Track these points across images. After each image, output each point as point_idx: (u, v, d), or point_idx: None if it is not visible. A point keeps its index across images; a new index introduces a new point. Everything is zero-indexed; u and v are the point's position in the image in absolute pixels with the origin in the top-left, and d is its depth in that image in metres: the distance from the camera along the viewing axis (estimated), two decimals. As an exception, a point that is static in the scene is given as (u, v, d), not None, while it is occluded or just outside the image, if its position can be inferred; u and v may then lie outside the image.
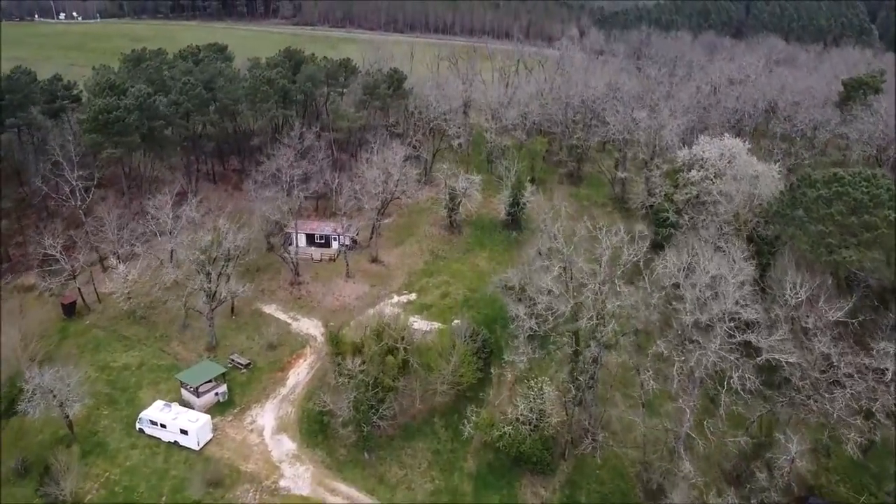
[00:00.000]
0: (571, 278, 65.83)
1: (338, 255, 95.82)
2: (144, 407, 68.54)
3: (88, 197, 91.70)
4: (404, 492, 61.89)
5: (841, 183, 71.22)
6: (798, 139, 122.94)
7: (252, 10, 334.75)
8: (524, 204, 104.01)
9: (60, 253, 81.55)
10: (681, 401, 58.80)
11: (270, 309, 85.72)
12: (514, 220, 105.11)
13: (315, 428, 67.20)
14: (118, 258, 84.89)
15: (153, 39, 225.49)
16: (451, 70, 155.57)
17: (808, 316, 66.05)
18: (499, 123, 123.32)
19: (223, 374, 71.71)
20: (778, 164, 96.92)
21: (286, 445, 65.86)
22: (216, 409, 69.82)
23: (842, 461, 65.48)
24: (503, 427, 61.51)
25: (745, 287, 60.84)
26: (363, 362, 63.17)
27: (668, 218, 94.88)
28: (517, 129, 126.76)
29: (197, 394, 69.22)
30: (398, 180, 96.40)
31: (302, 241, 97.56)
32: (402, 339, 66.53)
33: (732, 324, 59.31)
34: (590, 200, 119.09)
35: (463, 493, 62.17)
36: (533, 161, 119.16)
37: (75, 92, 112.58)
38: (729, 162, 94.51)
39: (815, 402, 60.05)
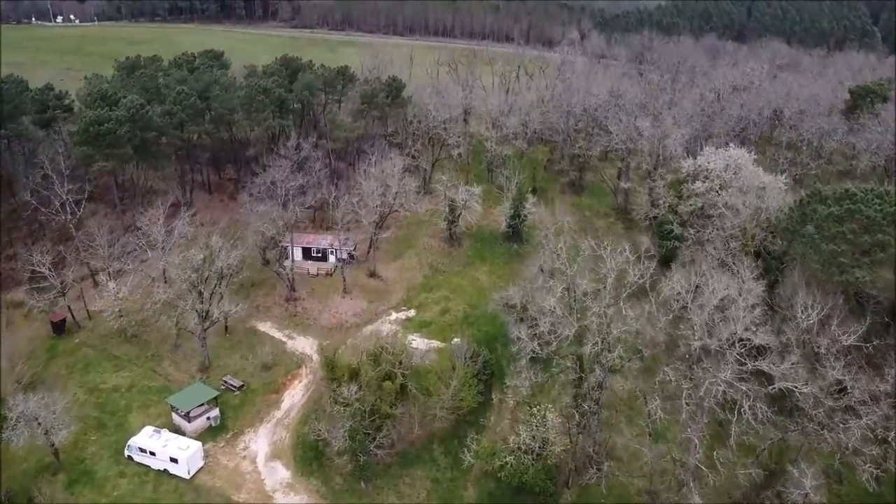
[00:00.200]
0: (575, 300, 63.71)
1: (335, 270, 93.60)
2: (134, 432, 66.35)
3: (79, 210, 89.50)
4: (402, 523, 59.79)
5: (853, 200, 69.03)
6: (804, 148, 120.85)
7: (250, 12, 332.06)
8: (525, 216, 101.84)
9: (49, 269, 79.40)
10: (689, 430, 56.57)
11: (265, 326, 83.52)
12: (516, 233, 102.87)
13: (310, 455, 64.93)
14: (109, 275, 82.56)
15: (150, 43, 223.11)
16: (451, 76, 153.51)
17: (819, 335, 64.05)
18: (499, 132, 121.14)
19: (215, 398, 69.47)
20: (784, 174, 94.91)
21: (280, 473, 63.61)
22: (208, 434, 67.59)
23: (854, 488, 63.22)
24: (505, 456, 59.26)
25: (755, 310, 58.60)
26: (360, 388, 60.94)
27: (672, 231, 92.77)
28: (518, 138, 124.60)
29: (188, 419, 67.01)
30: (397, 193, 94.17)
31: (298, 254, 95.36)
32: (400, 363, 64.25)
33: (743, 349, 57.11)
34: (592, 210, 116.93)
35: (463, 524, 60.04)
36: (534, 170, 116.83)
37: (67, 102, 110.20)
38: (735, 173, 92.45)
39: (829, 431, 57.77)
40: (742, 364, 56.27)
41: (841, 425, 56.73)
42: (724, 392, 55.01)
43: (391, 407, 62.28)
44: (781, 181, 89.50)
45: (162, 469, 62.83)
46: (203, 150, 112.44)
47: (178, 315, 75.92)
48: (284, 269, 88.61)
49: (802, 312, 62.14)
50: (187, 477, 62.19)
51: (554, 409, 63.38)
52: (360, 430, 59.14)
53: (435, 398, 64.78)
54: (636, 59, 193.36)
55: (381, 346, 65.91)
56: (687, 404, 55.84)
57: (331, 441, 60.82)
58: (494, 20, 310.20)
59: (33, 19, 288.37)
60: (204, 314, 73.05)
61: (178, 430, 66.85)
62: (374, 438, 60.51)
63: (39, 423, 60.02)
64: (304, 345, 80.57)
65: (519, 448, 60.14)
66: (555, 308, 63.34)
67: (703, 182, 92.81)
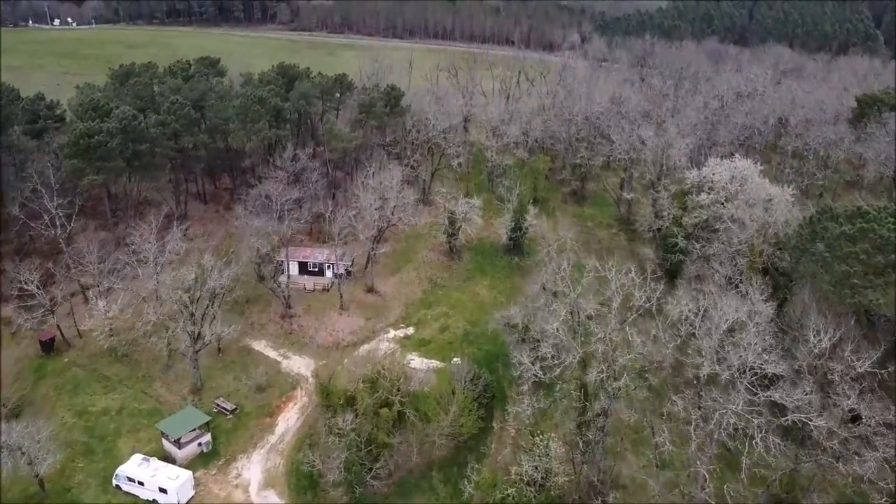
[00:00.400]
0: (579, 323, 61.53)
1: (331, 285, 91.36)
2: (123, 458, 64.10)
3: (70, 225, 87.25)
4: (400, 557, 57.60)
5: (866, 219, 66.80)
6: (810, 157, 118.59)
7: (249, 15, 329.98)
8: (527, 228, 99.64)
9: (38, 287, 77.16)
10: (699, 462, 54.36)
11: (260, 345, 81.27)
12: (517, 245, 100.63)
13: (304, 483, 62.63)
14: (99, 294, 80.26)
15: (148, 46, 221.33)
16: (451, 81, 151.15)
17: (831, 359, 61.85)
18: (500, 141, 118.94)
19: (207, 423, 67.21)
20: (791, 185, 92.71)
21: (273, 503, 61.47)
22: (199, 461, 65.33)
23: (868, 518, 61.13)
24: (506, 489, 57.00)
25: (766, 339, 56.36)
26: (356, 416, 58.73)
27: (677, 244, 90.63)
28: (519, 147, 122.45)
29: (179, 445, 64.74)
30: (395, 206, 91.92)
31: (294, 269, 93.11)
32: (398, 389, 62.01)
33: (754, 378, 54.90)
34: (594, 221, 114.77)
35: (463, 557, 57.86)
36: (535, 180, 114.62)
37: (59, 112, 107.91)
38: (741, 185, 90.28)
39: (843, 463, 55.57)
40: (753, 394, 54.06)
41: (856, 457, 54.51)
42: (734, 423, 52.82)
43: (388, 435, 60.06)
44: (788, 193, 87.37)
45: (151, 499, 60.49)
46: (198, 160, 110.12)
47: (169, 336, 73.65)
48: (280, 286, 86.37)
49: (815, 337, 59.90)
50: (177, 507, 60.03)
51: (557, 436, 61.10)
52: (355, 461, 56.95)
53: (434, 424, 62.57)
54: (638, 64, 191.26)
55: (377, 371, 63.67)
56: (696, 436, 53.60)
57: (325, 472, 58.52)
58: (494, 23, 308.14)
59: (30, 22, 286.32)
60: (195, 336, 70.80)
61: (168, 457, 64.61)
62: (371, 469, 58.32)
63: (23, 453, 57.79)
64: (299, 364, 78.30)
65: (521, 479, 57.88)
66: (558, 330, 61.18)
67: (708, 194, 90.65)
